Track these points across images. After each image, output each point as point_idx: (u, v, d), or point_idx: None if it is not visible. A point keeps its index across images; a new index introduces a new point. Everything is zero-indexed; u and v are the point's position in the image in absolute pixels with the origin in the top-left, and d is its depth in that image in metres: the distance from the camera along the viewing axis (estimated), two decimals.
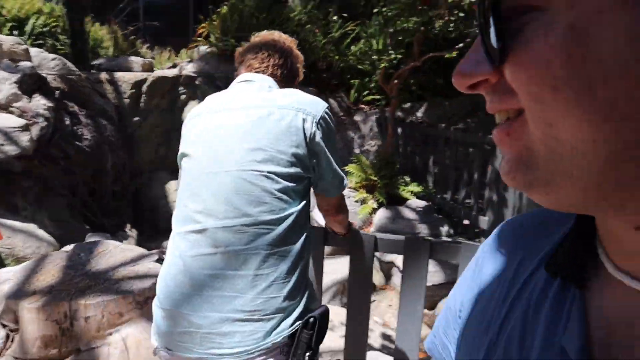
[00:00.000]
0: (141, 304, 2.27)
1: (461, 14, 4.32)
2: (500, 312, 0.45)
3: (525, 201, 3.89)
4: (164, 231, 5.49)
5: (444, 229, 4.86)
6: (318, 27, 6.59)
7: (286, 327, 1.30)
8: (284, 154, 1.34)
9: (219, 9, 6.80)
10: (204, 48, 6.94)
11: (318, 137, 1.40)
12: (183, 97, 6.21)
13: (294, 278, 1.32)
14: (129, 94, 5.72)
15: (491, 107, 0.35)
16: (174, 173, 6.12)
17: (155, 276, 2.30)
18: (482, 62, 0.33)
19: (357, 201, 5.13)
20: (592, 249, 0.39)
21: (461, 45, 4.39)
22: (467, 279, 0.53)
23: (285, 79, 1.60)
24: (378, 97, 6.71)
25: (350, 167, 5.31)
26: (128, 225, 5.25)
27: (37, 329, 2.14)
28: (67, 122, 4.75)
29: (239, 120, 1.39)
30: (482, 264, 0.51)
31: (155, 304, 1.40)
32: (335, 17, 6.46)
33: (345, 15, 6.88)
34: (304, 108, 1.40)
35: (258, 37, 1.70)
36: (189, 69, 6.70)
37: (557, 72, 0.28)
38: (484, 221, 4.57)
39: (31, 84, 4.56)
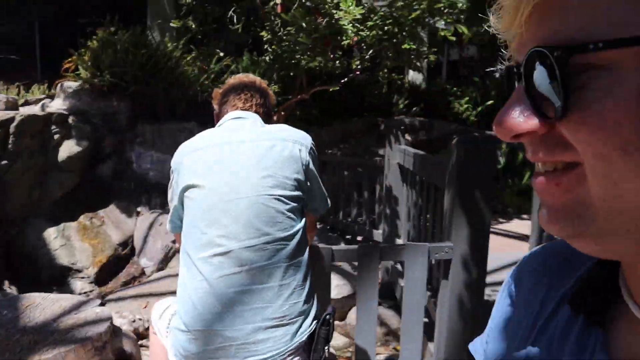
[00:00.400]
0: (100, 349, 2.18)
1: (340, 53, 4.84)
2: (525, 342, 0.46)
3: (416, 212, 4.44)
4: (47, 283, 5.00)
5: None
6: (201, 62, 6.67)
7: (307, 327, 1.50)
8: (289, 179, 1.55)
9: (88, 43, 6.47)
10: (70, 84, 6.52)
11: (311, 165, 1.64)
12: (56, 136, 5.76)
13: (307, 284, 1.53)
14: None
15: (536, 157, 0.35)
16: (51, 220, 5.61)
17: (108, 319, 2.25)
18: (529, 115, 0.32)
19: None
20: (614, 287, 0.39)
21: (345, 80, 4.90)
22: (498, 304, 0.54)
23: (265, 116, 1.80)
24: None
25: None
26: (6, 282, 4.68)
27: None
28: None
29: (248, 152, 1.56)
30: (512, 291, 0.52)
31: (179, 330, 1.47)
32: (219, 52, 6.62)
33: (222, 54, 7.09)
34: (299, 140, 1.63)
35: (235, 79, 1.87)
36: (56, 106, 6.24)
37: (627, 135, 0.28)
38: (377, 234, 5.06)
39: None
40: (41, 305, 2.48)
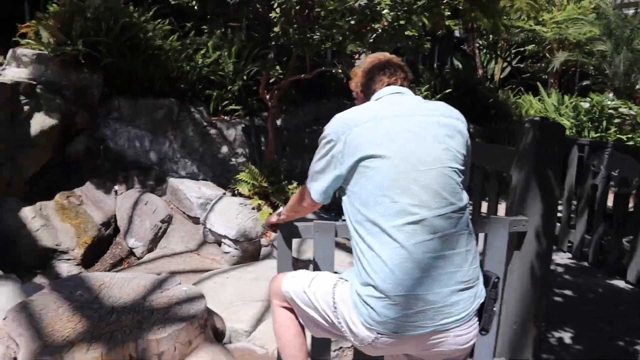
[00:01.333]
0: (203, 327, 2.14)
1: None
2: None
3: None
4: (30, 267, 4.67)
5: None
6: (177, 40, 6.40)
7: (482, 289, 1.62)
8: (459, 153, 1.64)
9: (49, 8, 5.93)
10: (24, 51, 5.95)
11: (469, 141, 1.74)
12: (26, 108, 5.29)
13: (478, 250, 1.65)
14: None
15: None
16: (25, 199, 5.18)
17: (200, 297, 2.22)
18: None
19: (253, 208, 5.24)
20: None
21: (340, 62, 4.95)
22: None
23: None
24: (237, 107, 6.84)
25: (242, 176, 5.38)
26: None
27: None
28: None
29: (424, 125, 1.62)
30: None
31: (373, 297, 1.51)
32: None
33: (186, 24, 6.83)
34: (460, 117, 1.72)
35: (372, 57, 1.90)
36: (15, 74, 5.69)
37: None
38: None
39: None
40: (115, 285, 2.37)
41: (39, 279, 4.58)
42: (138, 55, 6.07)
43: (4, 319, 2.13)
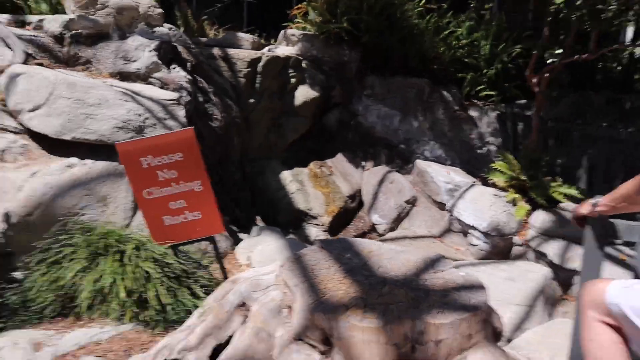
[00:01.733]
0: (485, 322, 1.78)
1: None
2: None
3: None
4: (284, 225, 4.97)
5: None
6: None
7: None
8: None
9: None
10: (293, 31, 6.41)
11: None
12: (293, 80, 5.69)
13: None
14: (245, 73, 5.19)
15: None
16: (284, 163, 5.62)
17: (480, 287, 1.81)
18: None
19: (508, 202, 4.64)
20: None
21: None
22: None
23: None
24: (492, 92, 6.21)
25: (499, 165, 4.82)
26: (257, 218, 4.74)
27: (372, 354, 1.64)
28: (200, 98, 4.23)
29: None
30: None
31: None
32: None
33: (442, 5, 6.47)
34: None
35: None
36: (290, 51, 6.17)
37: None
38: None
39: (168, 52, 4.03)
40: (384, 255, 2.18)
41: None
42: (395, 33, 5.98)
43: (281, 266, 2.12)
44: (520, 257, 4.51)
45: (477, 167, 5.84)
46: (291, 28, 6.66)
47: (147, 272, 2.72)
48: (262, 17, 9.27)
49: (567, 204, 4.64)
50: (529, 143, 5.14)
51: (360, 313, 1.70)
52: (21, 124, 3.44)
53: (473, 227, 4.57)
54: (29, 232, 3.02)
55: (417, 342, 1.65)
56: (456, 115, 6.11)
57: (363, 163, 5.89)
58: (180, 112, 3.54)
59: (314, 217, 5.08)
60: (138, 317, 2.69)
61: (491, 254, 4.51)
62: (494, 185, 4.89)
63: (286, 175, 5.34)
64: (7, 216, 2.99)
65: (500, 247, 4.49)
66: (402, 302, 1.77)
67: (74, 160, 3.34)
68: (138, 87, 3.64)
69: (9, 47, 3.89)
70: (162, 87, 3.82)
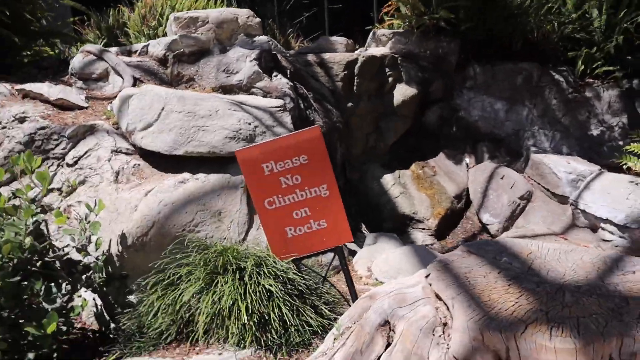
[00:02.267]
0: None
1: None
2: None
3: None
4: (388, 231, 4.72)
5: None
6: None
7: None
8: None
9: None
10: (383, 31, 6.17)
11: None
12: (390, 79, 5.46)
13: None
14: (341, 76, 5.05)
15: None
16: (385, 166, 5.40)
17: None
18: None
19: None
20: None
21: None
22: None
23: None
24: (612, 68, 5.56)
25: (634, 147, 4.26)
26: (362, 226, 4.56)
27: None
28: (301, 105, 4.13)
29: None
30: None
31: None
32: None
33: None
34: None
35: None
36: (382, 51, 5.94)
37: None
38: None
39: (268, 60, 3.98)
40: (549, 256, 1.87)
41: None
42: (496, 16, 5.55)
43: (427, 276, 1.89)
44: None
45: (600, 154, 5.25)
46: (379, 28, 6.46)
47: (269, 291, 2.52)
48: (344, 24, 9.16)
49: None
50: None
51: (545, 330, 1.43)
52: (133, 145, 3.49)
53: (606, 220, 4.06)
54: (144, 252, 3.01)
55: None
56: (571, 98, 5.55)
57: (467, 160, 5.51)
58: (287, 119, 3.45)
59: (420, 221, 4.80)
60: (259, 341, 2.48)
61: (629, 250, 3.97)
62: (628, 171, 4.33)
63: (388, 179, 5.11)
64: (122, 237, 3.00)
65: None
66: (598, 313, 1.46)
67: (186, 175, 3.33)
68: (242, 97, 3.61)
69: (119, 75, 4.04)
70: (264, 96, 3.77)
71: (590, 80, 5.70)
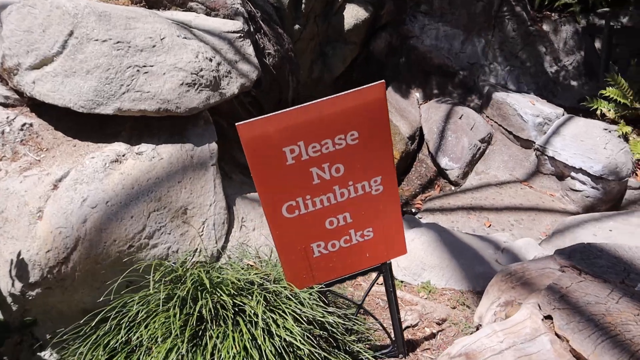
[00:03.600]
0: None
1: None
2: None
3: None
4: None
5: None
6: None
7: None
8: None
9: None
10: None
11: None
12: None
13: None
14: None
15: None
16: None
17: None
18: None
19: (619, 136, 3.89)
20: None
21: None
22: None
23: None
24: (571, 1, 5.23)
25: (610, 92, 4.00)
26: None
27: None
28: (251, 27, 3.21)
29: None
30: None
31: None
32: None
33: None
34: None
35: None
36: None
37: None
38: None
39: None
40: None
41: None
42: None
43: (545, 317, 1.34)
44: (635, 202, 3.85)
45: (555, 93, 5.03)
46: None
47: (286, 342, 1.59)
48: None
49: None
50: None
51: None
52: (17, 91, 2.15)
53: (579, 170, 3.84)
54: (62, 289, 1.90)
55: None
56: (530, 31, 5.17)
57: (417, 95, 4.99)
58: (250, 50, 2.57)
59: None
60: None
61: (600, 201, 3.83)
62: (602, 118, 4.12)
63: None
64: (20, 267, 1.83)
65: (613, 194, 3.81)
66: None
67: (120, 147, 2.10)
68: (180, 15, 2.60)
69: None
70: (208, 14, 2.80)
71: (548, 12, 5.36)
